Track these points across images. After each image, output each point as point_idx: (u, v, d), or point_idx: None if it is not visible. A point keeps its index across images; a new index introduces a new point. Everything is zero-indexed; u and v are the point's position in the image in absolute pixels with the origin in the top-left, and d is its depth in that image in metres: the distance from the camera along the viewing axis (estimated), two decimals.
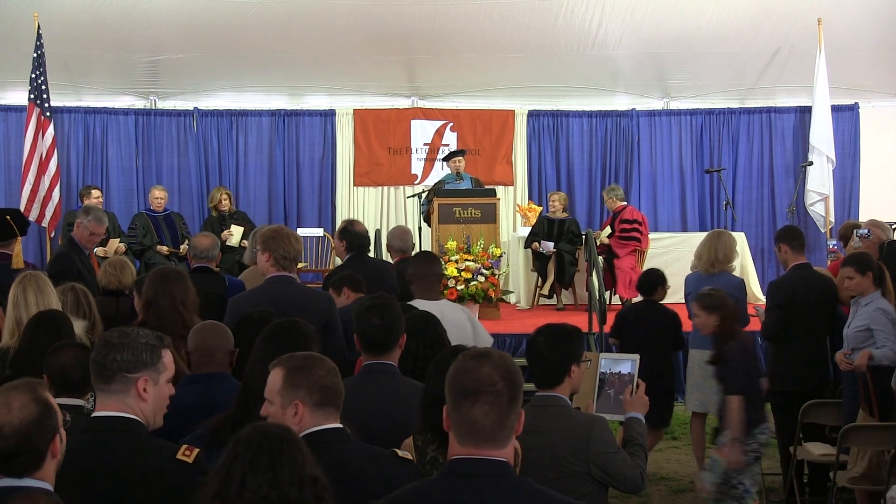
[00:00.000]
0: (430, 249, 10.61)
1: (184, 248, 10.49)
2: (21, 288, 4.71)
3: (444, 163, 11.24)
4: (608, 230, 10.91)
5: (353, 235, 6.54)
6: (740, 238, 11.63)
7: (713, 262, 6.68)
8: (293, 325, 3.45)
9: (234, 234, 10.88)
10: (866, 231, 6.97)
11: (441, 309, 4.79)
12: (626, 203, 11.29)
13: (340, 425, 2.80)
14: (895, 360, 5.52)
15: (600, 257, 10.69)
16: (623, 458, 3.53)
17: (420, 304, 4.92)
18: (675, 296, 11.41)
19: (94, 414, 2.78)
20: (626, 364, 4.01)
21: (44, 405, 2.39)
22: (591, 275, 9.66)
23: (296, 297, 4.94)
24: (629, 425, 3.74)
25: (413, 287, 5.23)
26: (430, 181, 12.08)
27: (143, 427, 2.78)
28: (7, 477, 2.35)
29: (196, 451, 2.74)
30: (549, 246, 10.91)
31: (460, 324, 4.97)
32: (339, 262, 7.30)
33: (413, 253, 6.74)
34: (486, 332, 5.32)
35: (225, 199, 11.13)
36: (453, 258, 9.98)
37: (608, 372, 3.94)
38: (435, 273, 5.29)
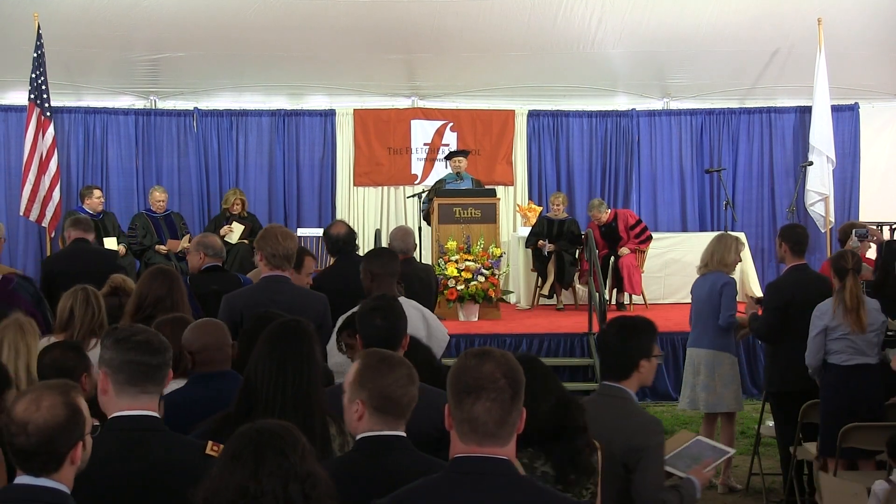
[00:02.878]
0: (429, 249, 10.63)
1: (184, 243, 10.47)
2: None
3: (447, 161, 11.24)
4: (625, 250, 10.91)
5: (328, 239, 6.45)
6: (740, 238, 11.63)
7: (706, 264, 6.69)
8: (296, 324, 3.45)
9: (234, 230, 10.86)
10: (864, 230, 7.00)
11: None
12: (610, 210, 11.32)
13: (403, 434, 2.75)
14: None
15: (611, 258, 10.77)
16: (659, 481, 3.45)
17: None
18: (675, 296, 11.53)
19: (125, 413, 2.77)
20: (721, 449, 3.99)
21: (73, 410, 2.38)
22: (592, 274, 9.67)
23: (292, 298, 4.93)
24: (685, 482, 3.65)
25: (372, 284, 5.07)
26: (430, 181, 12.07)
27: (163, 422, 2.83)
28: (26, 475, 2.36)
29: (222, 446, 2.75)
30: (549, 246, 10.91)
31: (413, 322, 4.86)
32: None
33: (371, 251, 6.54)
34: (443, 330, 5.18)
35: (237, 205, 11.12)
36: (453, 258, 9.98)
37: (702, 442, 3.94)
38: (393, 270, 5.13)
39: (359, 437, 2.73)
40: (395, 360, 2.80)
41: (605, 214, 11.06)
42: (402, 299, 4.80)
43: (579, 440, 3.12)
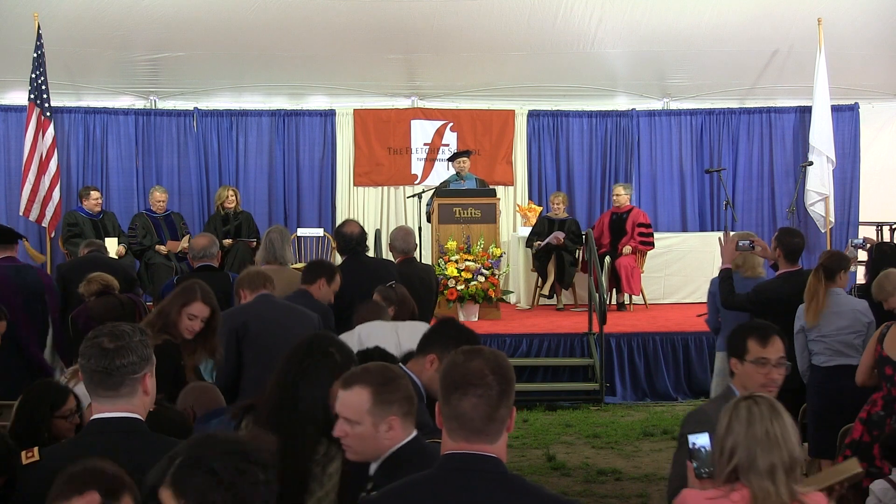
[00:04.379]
0: (429, 249, 10.65)
1: (183, 243, 10.47)
2: None
3: (450, 163, 11.25)
4: (628, 248, 10.90)
5: (341, 237, 6.47)
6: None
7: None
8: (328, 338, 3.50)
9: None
10: (861, 240, 7.02)
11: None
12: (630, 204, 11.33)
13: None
14: None
15: (607, 257, 10.76)
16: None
17: (379, 325, 4.88)
18: (675, 296, 11.54)
19: (100, 416, 2.74)
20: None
21: None
22: (592, 275, 9.66)
23: (287, 316, 5.00)
24: None
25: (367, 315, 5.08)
26: (430, 181, 12.09)
27: (144, 424, 2.79)
28: None
29: None
30: (559, 235, 10.82)
31: (384, 337, 4.75)
32: (339, 260, 7.25)
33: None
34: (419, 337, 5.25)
35: (231, 198, 11.14)
36: (453, 258, 9.99)
37: None
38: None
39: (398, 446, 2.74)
40: (394, 367, 2.89)
41: (627, 198, 11.13)
42: (376, 323, 4.82)
43: None
